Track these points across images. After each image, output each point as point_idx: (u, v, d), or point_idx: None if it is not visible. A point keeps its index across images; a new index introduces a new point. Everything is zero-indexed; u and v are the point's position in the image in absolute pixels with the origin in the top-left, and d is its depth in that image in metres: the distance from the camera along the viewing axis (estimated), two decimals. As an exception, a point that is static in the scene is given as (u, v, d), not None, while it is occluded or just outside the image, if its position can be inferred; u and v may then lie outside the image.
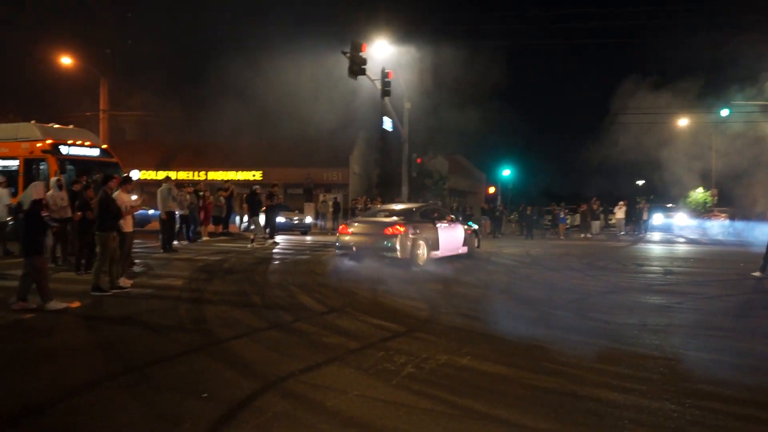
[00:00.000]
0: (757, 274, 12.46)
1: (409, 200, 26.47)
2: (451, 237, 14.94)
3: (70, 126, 19.69)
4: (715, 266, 15.02)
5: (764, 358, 5.98)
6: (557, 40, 76.91)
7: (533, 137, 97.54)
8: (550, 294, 10.00)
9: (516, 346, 6.20)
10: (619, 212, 30.52)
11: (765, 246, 12.40)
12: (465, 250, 15.59)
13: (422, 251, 13.36)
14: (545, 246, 21.93)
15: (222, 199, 21.27)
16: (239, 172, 37.12)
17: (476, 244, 17.07)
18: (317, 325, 7.12)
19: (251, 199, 19.13)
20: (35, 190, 8.12)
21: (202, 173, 37.26)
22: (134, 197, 11.09)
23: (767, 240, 12.38)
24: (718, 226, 33.32)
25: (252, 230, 19.30)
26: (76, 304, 8.08)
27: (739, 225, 31.03)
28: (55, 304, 7.82)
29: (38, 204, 8.06)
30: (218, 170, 37.04)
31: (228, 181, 27.18)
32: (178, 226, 17.49)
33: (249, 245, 17.58)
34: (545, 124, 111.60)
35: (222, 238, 20.76)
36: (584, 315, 8.09)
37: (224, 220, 21.82)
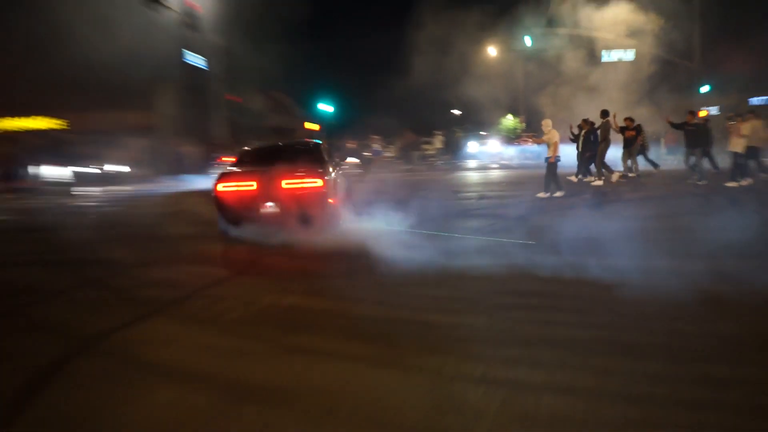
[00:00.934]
0: (542, 195, 13.64)
1: (233, 142, 25.42)
2: None
3: None
4: (523, 189, 16.10)
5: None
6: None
7: (353, 71, 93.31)
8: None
9: (342, 279, 6.32)
10: (437, 142, 32.19)
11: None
12: None
13: None
14: (364, 179, 22.36)
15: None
16: (34, 119, 32.80)
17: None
18: (133, 279, 6.78)
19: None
20: None
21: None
22: None
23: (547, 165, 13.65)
24: (524, 151, 34.51)
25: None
26: None
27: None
28: None
29: None
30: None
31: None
32: None
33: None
34: (363, 56, 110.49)
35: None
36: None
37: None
